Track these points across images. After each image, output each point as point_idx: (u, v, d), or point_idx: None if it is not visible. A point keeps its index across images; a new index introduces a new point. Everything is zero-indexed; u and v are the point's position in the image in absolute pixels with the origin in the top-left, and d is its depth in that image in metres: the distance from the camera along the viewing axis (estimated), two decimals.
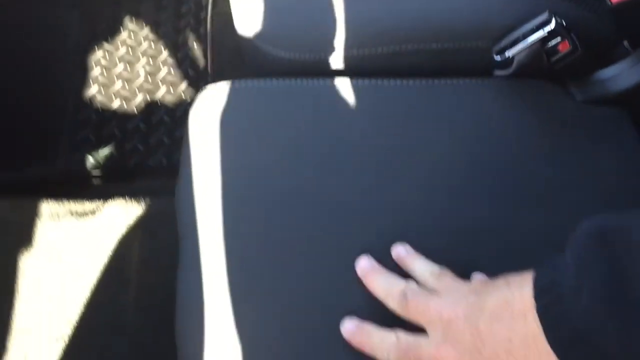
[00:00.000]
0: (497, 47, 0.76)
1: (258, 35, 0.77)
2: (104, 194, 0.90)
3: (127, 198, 0.87)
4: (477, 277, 0.59)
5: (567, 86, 0.77)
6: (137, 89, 1.15)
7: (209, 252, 0.62)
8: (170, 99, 1.14)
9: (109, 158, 1.06)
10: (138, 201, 0.87)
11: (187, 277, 0.62)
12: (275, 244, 0.62)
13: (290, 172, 0.67)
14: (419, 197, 0.67)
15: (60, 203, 0.87)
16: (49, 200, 0.87)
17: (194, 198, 0.65)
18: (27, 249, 0.84)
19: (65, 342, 0.76)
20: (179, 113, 1.12)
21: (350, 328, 0.57)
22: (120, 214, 0.86)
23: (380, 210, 0.65)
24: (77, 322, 0.78)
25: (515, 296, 0.49)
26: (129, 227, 0.84)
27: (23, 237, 0.84)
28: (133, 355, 0.76)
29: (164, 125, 1.10)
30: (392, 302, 0.57)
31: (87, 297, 0.79)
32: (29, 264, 0.81)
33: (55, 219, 0.85)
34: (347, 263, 0.61)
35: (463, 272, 0.60)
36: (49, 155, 1.03)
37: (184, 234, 0.65)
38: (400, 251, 0.61)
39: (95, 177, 1.03)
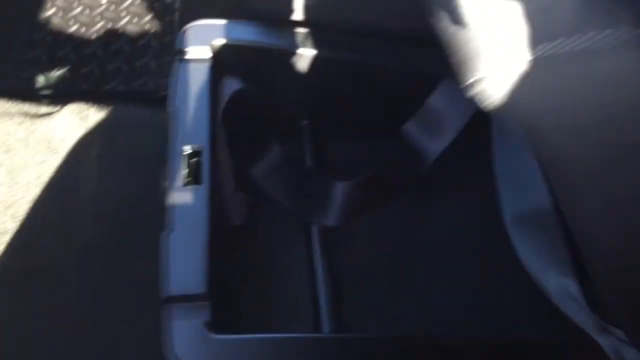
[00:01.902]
0: None
1: None
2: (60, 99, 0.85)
3: (84, 103, 0.82)
4: None
5: None
6: (98, 15, 1.10)
7: None
8: (132, 28, 1.09)
9: (61, 79, 1.00)
10: (97, 106, 0.82)
11: None
12: None
13: None
14: None
15: (13, 103, 0.81)
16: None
17: None
18: None
19: (10, 236, 0.71)
20: (141, 42, 1.07)
21: None
22: (79, 117, 0.81)
23: None
24: (24, 220, 0.72)
25: None
26: (86, 131, 0.79)
27: None
28: (82, 260, 0.71)
29: (124, 54, 1.05)
30: None
31: (36, 196, 0.74)
32: None
33: (6, 118, 0.79)
34: None
35: None
36: None
37: None
38: None
39: (45, 96, 0.97)
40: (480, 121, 0.74)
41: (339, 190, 0.75)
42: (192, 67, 0.69)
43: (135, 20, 1.10)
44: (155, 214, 0.65)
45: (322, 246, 0.72)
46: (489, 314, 0.69)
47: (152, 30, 1.09)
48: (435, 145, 0.74)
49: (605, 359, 0.55)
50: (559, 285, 0.65)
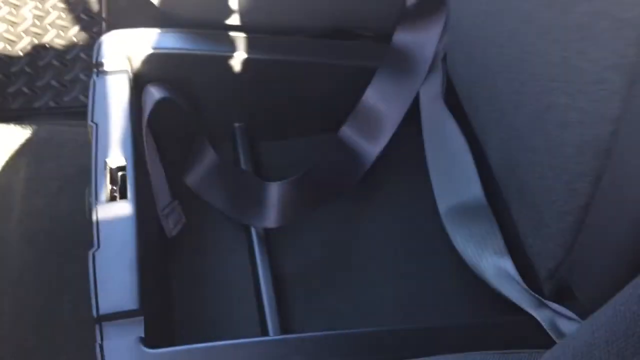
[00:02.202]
0: None
1: None
2: None
3: (12, 122, 0.80)
4: None
5: None
6: (23, 31, 1.07)
7: None
8: (60, 42, 1.07)
9: None
10: (24, 127, 0.80)
11: None
12: None
13: None
14: None
15: None
16: None
17: None
18: None
19: None
20: (69, 56, 1.05)
21: None
22: (4, 139, 0.79)
23: None
24: None
25: None
26: (12, 151, 0.77)
27: None
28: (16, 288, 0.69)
29: (53, 68, 1.03)
30: None
31: None
32: None
33: None
34: None
35: None
36: None
37: None
38: None
39: None
40: (412, 116, 0.75)
41: (275, 191, 0.74)
42: (110, 78, 0.68)
43: (62, 33, 1.08)
44: (88, 232, 0.63)
45: (263, 249, 0.72)
46: (428, 304, 0.70)
47: (80, 43, 1.07)
48: (372, 148, 0.75)
49: (537, 334, 0.56)
50: (496, 266, 0.66)
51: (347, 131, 0.77)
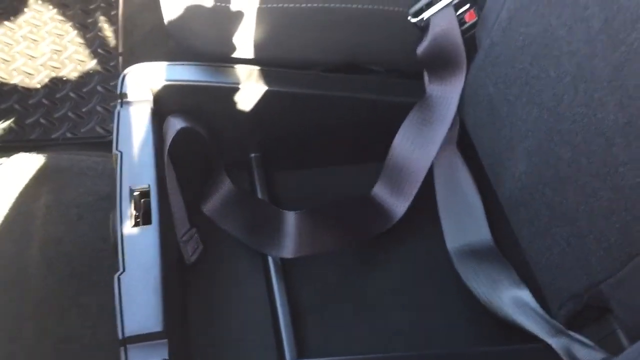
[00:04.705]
0: (413, 10, 0.79)
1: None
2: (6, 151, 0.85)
3: (32, 153, 0.82)
4: None
5: None
6: (41, 66, 1.10)
7: None
8: (76, 75, 1.10)
9: (7, 131, 1.00)
10: (44, 155, 0.82)
11: None
12: None
13: None
14: None
15: None
16: None
17: None
18: None
19: None
20: (86, 89, 1.07)
21: None
22: (25, 166, 0.80)
23: None
24: None
25: None
26: (33, 179, 0.79)
27: None
28: (37, 313, 0.70)
29: (70, 100, 1.06)
30: None
31: None
32: None
33: None
34: None
35: None
36: None
37: None
38: None
39: None
40: None
41: (291, 220, 0.76)
42: (134, 109, 0.70)
43: (79, 67, 1.11)
44: (108, 257, 0.65)
45: (280, 276, 0.73)
46: (441, 331, 0.71)
47: (97, 76, 1.09)
48: (402, 204, 0.76)
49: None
50: (512, 297, 0.68)
51: (378, 191, 0.78)
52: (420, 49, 0.76)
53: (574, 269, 0.58)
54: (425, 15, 0.77)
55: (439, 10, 0.76)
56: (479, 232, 0.75)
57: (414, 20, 0.78)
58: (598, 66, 0.52)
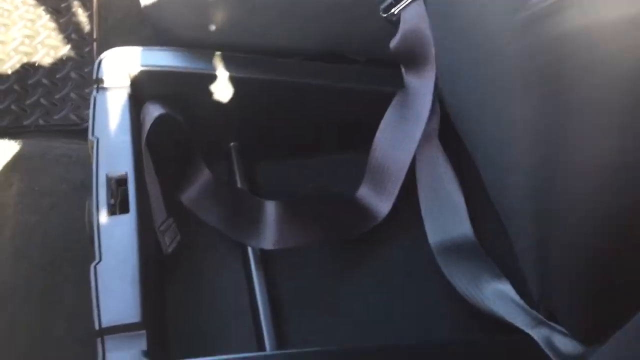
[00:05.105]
0: (383, 5, 0.78)
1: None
2: None
3: (3, 140, 0.80)
4: None
5: None
6: (13, 50, 1.07)
7: None
8: (49, 61, 1.07)
9: None
10: (16, 142, 0.80)
11: None
12: None
13: None
14: None
15: None
16: None
17: None
18: None
19: None
20: (59, 75, 1.05)
21: None
22: None
23: None
24: None
25: None
26: (5, 166, 0.76)
27: None
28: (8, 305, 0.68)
29: (43, 87, 1.03)
30: None
31: None
32: None
33: None
34: None
35: None
36: None
37: None
38: None
39: None
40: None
41: (271, 210, 0.75)
42: (111, 94, 0.68)
43: (52, 52, 1.08)
44: (82, 247, 0.63)
45: (259, 266, 0.72)
46: (422, 322, 0.71)
47: (70, 62, 1.07)
48: (385, 204, 0.76)
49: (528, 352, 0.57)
50: (493, 289, 0.68)
51: (362, 192, 0.77)
52: (393, 44, 0.76)
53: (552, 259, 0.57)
54: (395, 10, 0.76)
55: (407, 4, 0.75)
56: (460, 226, 0.75)
57: (384, 15, 0.77)
58: None
